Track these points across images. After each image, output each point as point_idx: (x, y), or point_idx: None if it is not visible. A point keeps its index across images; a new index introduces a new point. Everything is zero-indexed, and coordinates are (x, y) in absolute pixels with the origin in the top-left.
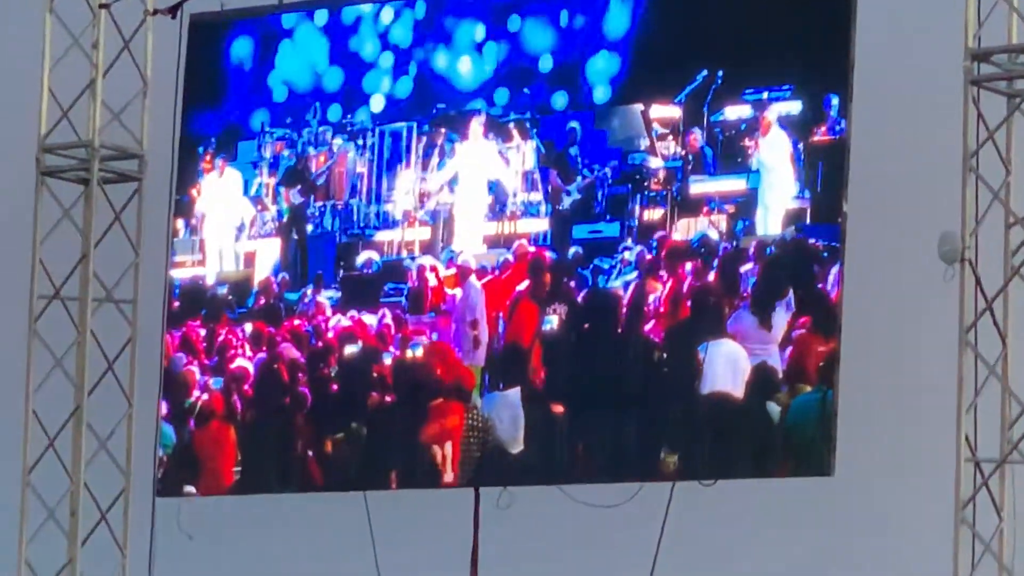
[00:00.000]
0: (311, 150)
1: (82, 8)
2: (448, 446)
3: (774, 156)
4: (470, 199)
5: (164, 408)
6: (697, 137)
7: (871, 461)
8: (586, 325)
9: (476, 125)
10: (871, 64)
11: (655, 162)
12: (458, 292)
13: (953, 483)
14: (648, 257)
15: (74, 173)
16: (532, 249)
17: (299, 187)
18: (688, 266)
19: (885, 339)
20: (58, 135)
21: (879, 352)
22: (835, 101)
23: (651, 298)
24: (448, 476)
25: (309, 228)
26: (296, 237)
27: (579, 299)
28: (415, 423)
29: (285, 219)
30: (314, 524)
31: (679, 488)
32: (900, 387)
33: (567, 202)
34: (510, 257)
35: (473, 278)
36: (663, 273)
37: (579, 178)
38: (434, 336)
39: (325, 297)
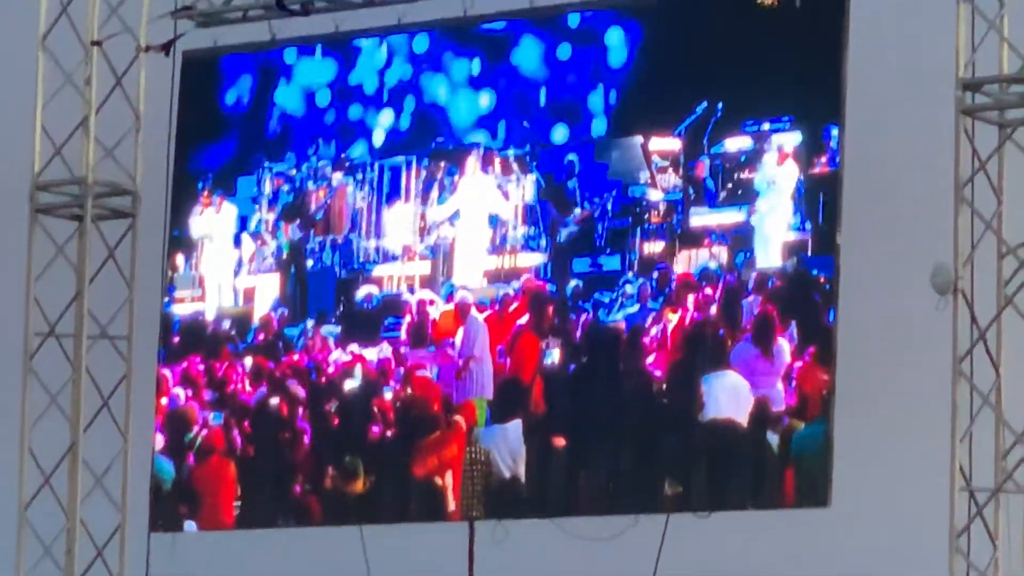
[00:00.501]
0: (310, 185)
1: (74, 45)
2: (449, 477)
3: (780, 186)
4: (471, 233)
5: (161, 442)
6: (703, 167)
7: (865, 491)
8: (586, 359)
9: (475, 159)
10: (864, 95)
11: (655, 195)
12: (460, 326)
13: (947, 512)
14: (649, 290)
15: (68, 210)
16: (539, 283)
17: (298, 222)
18: (690, 299)
19: (879, 369)
20: (51, 172)
21: (873, 382)
22: (835, 132)
23: (653, 331)
24: (451, 507)
25: (309, 263)
26: (295, 272)
27: (579, 332)
28: (414, 457)
29: (285, 254)
30: (309, 557)
31: (674, 520)
32: (894, 417)
33: (564, 235)
34: (510, 292)
35: (475, 311)
36: (665, 306)
37: (577, 210)
38: (435, 369)
39: (326, 332)
